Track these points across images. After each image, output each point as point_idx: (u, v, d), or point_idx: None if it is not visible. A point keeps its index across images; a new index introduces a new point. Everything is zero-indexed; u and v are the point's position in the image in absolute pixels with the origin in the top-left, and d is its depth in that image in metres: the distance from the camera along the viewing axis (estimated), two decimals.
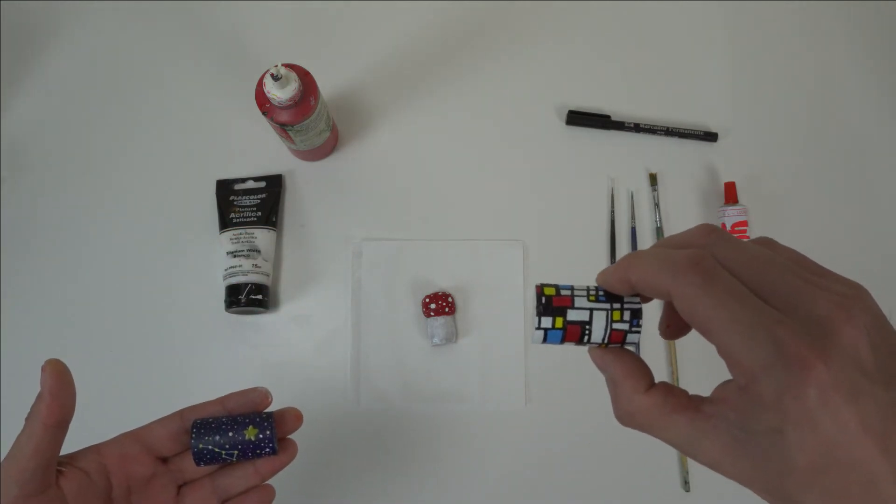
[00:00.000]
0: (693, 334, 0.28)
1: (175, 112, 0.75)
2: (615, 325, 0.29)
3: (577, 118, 0.73)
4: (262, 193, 0.70)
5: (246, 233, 0.68)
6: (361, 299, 0.70)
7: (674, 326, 0.31)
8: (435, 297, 0.68)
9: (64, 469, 0.38)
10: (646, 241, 0.72)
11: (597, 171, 0.73)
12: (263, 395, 0.43)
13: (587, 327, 0.29)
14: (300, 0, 0.77)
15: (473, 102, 0.75)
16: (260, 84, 0.61)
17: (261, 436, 0.41)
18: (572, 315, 0.29)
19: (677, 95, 0.75)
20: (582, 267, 0.71)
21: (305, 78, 0.62)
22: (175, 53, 0.76)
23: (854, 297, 0.25)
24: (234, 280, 0.67)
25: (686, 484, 0.66)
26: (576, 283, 0.30)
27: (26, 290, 0.70)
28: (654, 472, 0.67)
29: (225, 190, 0.71)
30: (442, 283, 0.70)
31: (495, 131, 0.74)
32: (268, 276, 0.68)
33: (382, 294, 0.70)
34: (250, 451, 0.42)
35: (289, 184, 0.73)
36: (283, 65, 0.59)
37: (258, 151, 0.73)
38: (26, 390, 0.71)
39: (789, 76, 0.76)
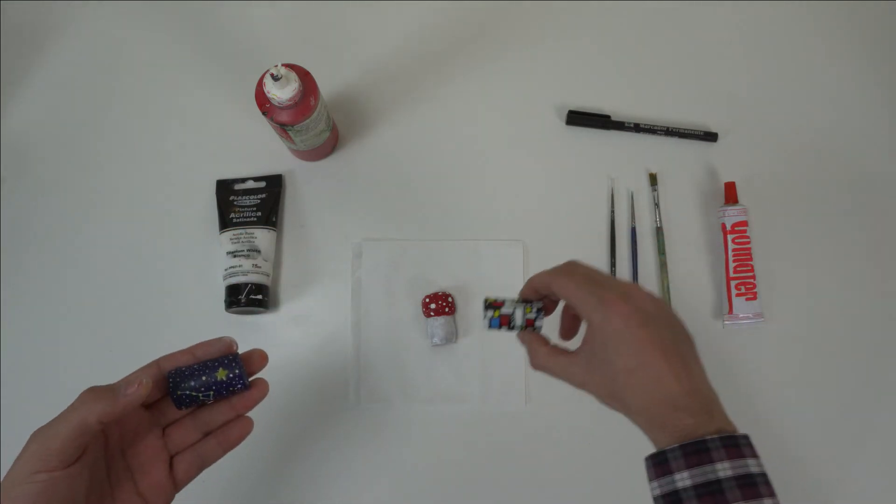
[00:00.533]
0: None
1: (175, 112, 0.75)
2: (527, 316, 0.50)
3: (577, 118, 0.73)
4: (262, 193, 0.70)
5: (246, 233, 0.68)
6: (361, 299, 0.70)
7: (565, 329, 0.52)
8: (435, 297, 0.68)
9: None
10: (646, 240, 0.72)
11: (597, 171, 0.73)
12: (228, 343, 0.47)
13: (512, 316, 0.50)
14: (300, 0, 0.77)
15: (473, 102, 0.75)
16: (260, 84, 0.61)
17: (230, 375, 0.46)
18: (504, 310, 0.50)
19: (677, 95, 0.75)
20: None
21: (305, 78, 0.62)
22: (175, 53, 0.76)
23: (634, 284, 0.46)
24: (234, 280, 0.67)
25: None
26: (507, 297, 0.51)
27: (26, 289, 0.70)
28: None
29: (225, 190, 0.71)
30: (442, 283, 0.70)
31: (495, 131, 0.74)
32: (268, 276, 0.68)
33: (382, 294, 0.70)
34: (224, 390, 0.46)
35: (289, 184, 0.73)
36: (283, 65, 0.59)
37: (258, 151, 0.73)
38: (26, 390, 0.72)
39: (789, 76, 0.76)
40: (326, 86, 0.68)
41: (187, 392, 0.45)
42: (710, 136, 0.73)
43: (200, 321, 0.69)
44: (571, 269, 0.47)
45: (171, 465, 0.47)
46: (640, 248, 0.71)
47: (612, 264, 0.71)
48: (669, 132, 0.73)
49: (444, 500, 0.66)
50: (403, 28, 0.77)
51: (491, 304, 0.50)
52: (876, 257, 0.72)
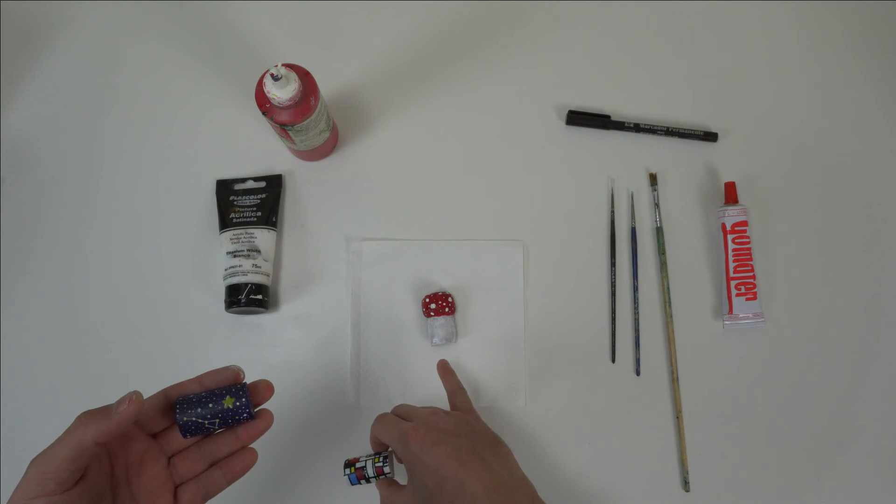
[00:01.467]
0: None
1: (175, 112, 0.75)
2: (376, 465, 0.55)
3: (577, 118, 0.73)
4: (262, 193, 0.70)
5: (246, 233, 0.68)
6: (361, 299, 0.70)
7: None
8: (435, 297, 0.68)
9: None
10: (646, 241, 0.72)
11: (597, 171, 0.73)
12: (236, 373, 0.48)
13: (365, 470, 0.55)
14: (300, 0, 0.77)
15: (473, 102, 0.75)
16: (260, 84, 0.61)
17: (237, 403, 0.46)
18: (357, 465, 0.55)
19: (677, 95, 0.75)
20: (582, 267, 0.71)
21: (305, 78, 0.62)
22: (175, 53, 0.76)
23: (439, 409, 0.54)
24: (234, 280, 0.67)
25: (686, 484, 0.66)
26: (365, 454, 0.57)
27: (26, 289, 0.70)
28: (654, 471, 0.67)
29: (225, 190, 0.71)
30: (442, 283, 0.70)
31: (495, 131, 0.74)
32: (268, 276, 0.68)
33: (382, 294, 0.70)
34: (230, 419, 0.47)
35: (289, 184, 0.73)
36: (283, 65, 0.59)
37: (258, 151, 0.73)
38: (26, 390, 0.72)
39: (789, 76, 0.76)
40: (326, 86, 0.68)
41: (193, 419, 0.46)
42: (710, 136, 0.73)
43: (200, 321, 0.69)
44: (382, 416, 0.54)
45: (175, 495, 0.47)
46: (640, 248, 0.71)
47: (613, 264, 0.71)
48: (669, 132, 0.73)
49: None
50: (403, 28, 0.77)
51: (348, 463, 0.55)
52: (876, 257, 0.72)
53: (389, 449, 0.55)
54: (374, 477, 0.54)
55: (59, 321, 0.70)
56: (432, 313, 0.68)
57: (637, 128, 0.73)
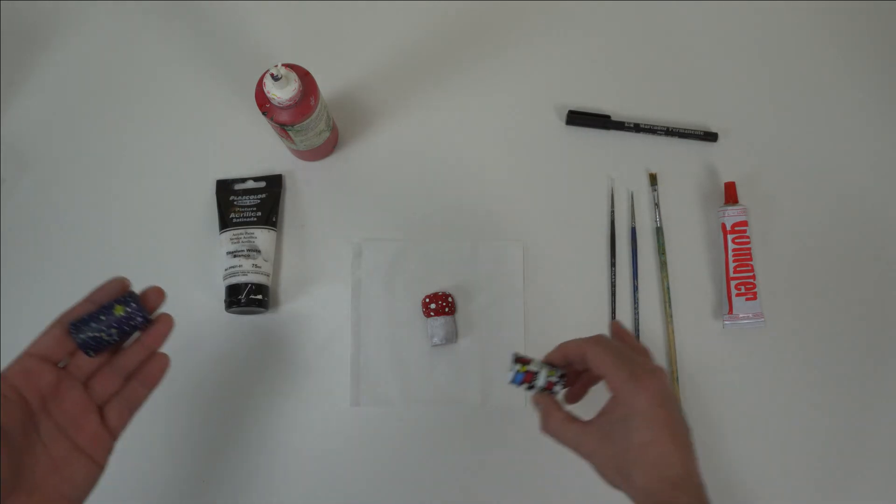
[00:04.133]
0: None
1: (175, 112, 0.75)
2: (549, 378, 0.51)
3: (577, 118, 0.73)
4: (262, 193, 0.70)
5: (246, 233, 0.68)
6: (361, 299, 0.70)
7: (573, 394, 0.56)
8: (435, 297, 0.68)
9: None
10: (646, 241, 0.72)
11: (597, 171, 0.73)
12: (121, 281, 0.49)
13: (536, 375, 0.51)
14: (300, 0, 0.77)
15: (473, 102, 0.75)
16: (260, 84, 0.61)
17: (128, 309, 0.47)
18: (530, 367, 0.52)
19: (677, 95, 0.75)
20: (582, 267, 0.71)
21: (305, 78, 0.62)
22: (175, 53, 0.76)
23: (660, 367, 0.49)
24: (234, 280, 0.67)
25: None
26: (535, 357, 0.53)
27: (26, 289, 0.70)
28: None
29: (225, 190, 0.71)
30: (442, 283, 0.70)
31: (495, 131, 0.74)
32: (268, 276, 0.68)
33: (382, 294, 0.70)
34: (125, 325, 0.47)
35: (289, 184, 0.73)
36: (283, 65, 0.59)
37: (258, 151, 0.73)
38: None
39: (789, 76, 0.76)
40: (326, 86, 0.68)
41: (91, 335, 0.46)
42: (710, 136, 0.73)
43: (200, 321, 0.69)
44: (606, 342, 0.51)
45: (102, 416, 0.48)
46: (640, 248, 0.71)
47: (612, 264, 0.71)
48: (669, 132, 0.73)
49: (443, 500, 0.66)
50: (403, 28, 0.77)
51: (518, 360, 0.51)
52: (875, 256, 0.72)
53: (565, 370, 0.52)
54: (542, 389, 0.51)
55: None
56: (432, 313, 0.68)
57: (637, 128, 0.73)
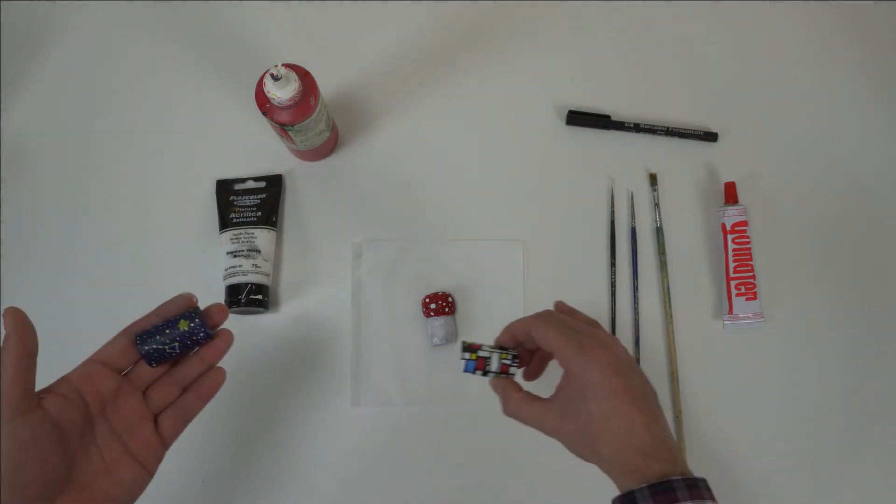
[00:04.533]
0: None
1: (175, 112, 0.75)
2: (503, 361, 0.51)
3: (577, 118, 0.73)
4: (262, 193, 0.70)
5: (246, 233, 0.68)
6: (361, 299, 0.70)
7: (530, 372, 0.54)
8: (435, 297, 0.68)
9: (43, 396, 0.44)
10: (646, 240, 0.72)
11: (597, 171, 0.73)
12: (188, 298, 0.50)
13: (488, 361, 0.50)
14: (300, 0, 0.77)
15: (473, 102, 0.75)
16: (260, 84, 0.61)
17: (192, 325, 0.49)
18: (481, 353, 0.51)
19: (677, 95, 0.75)
20: (582, 267, 0.71)
21: (305, 78, 0.62)
22: (175, 53, 0.76)
23: (611, 335, 0.49)
24: (234, 280, 0.67)
25: None
26: (485, 342, 0.52)
27: (26, 289, 0.70)
28: None
29: (225, 190, 0.71)
30: (442, 283, 0.70)
31: (495, 131, 0.74)
32: (268, 276, 0.68)
33: (382, 294, 0.70)
34: (188, 340, 0.49)
35: (289, 184, 0.73)
36: (283, 65, 0.59)
37: (258, 151, 0.73)
38: None
39: (789, 76, 0.76)
40: (326, 86, 0.68)
41: (154, 347, 0.48)
42: (710, 136, 0.73)
43: None
44: (549, 317, 0.50)
45: (156, 424, 0.49)
46: (640, 248, 0.71)
47: (612, 264, 0.71)
48: (669, 132, 0.73)
49: (444, 500, 0.66)
50: (403, 28, 0.77)
51: (468, 347, 0.51)
52: (876, 257, 0.72)
53: (516, 350, 0.51)
54: (496, 373, 0.50)
55: (58, 321, 0.69)
56: (432, 313, 0.68)
57: (637, 128, 0.73)
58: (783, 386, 0.69)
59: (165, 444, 0.49)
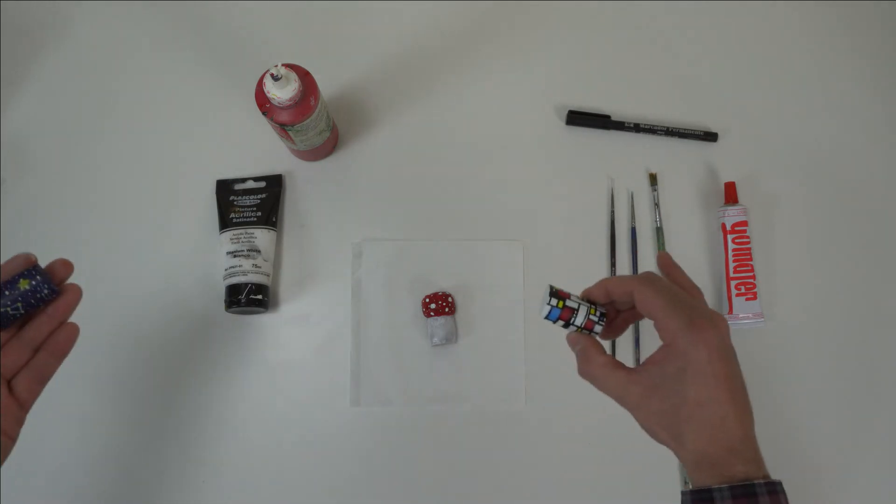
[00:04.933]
0: None
1: (175, 112, 0.75)
2: (590, 317, 0.46)
3: (577, 118, 0.73)
4: (262, 193, 0.70)
5: (246, 233, 0.68)
6: (361, 299, 0.70)
7: (614, 329, 0.49)
8: (435, 297, 0.68)
9: None
10: (646, 241, 0.72)
11: (597, 171, 0.73)
12: (26, 257, 0.48)
13: (575, 312, 0.46)
14: (300, 0, 0.77)
15: (473, 102, 0.75)
16: (260, 84, 0.61)
17: (33, 283, 0.47)
18: (569, 303, 0.46)
19: (677, 95, 0.75)
20: (582, 267, 0.71)
21: (305, 78, 0.62)
22: (175, 53, 0.76)
23: (719, 314, 0.44)
24: (234, 280, 0.67)
25: (686, 484, 0.66)
26: (573, 293, 0.47)
27: None
28: (653, 471, 0.67)
29: (225, 190, 0.71)
30: (442, 283, 0.70)
31: (495, 131, 0.74)
32: (268, 276, 0.68)
33: (382, 294, 0.70)
34: (32, 299, 0.47)
35: (289, 184, 0.73)
36: (283, 65, 0.59)
37: (258, 151, 0.73)
38: None
39: (789, 76, 0.76)
40: (326, 86, 0.68)
41: None
42: (710, 136, 0.73)
43: (200, 321, 0.69)
44: (657, 282, 0.45)
45: (11, 389, 0.48)
46: (640, 248, 0.71)
47: (612, 264, 0.71)
48: (669, 132, 0.73)
49: (443, 500, 0.66)
50: (403, 28, 0.77)
51: (556, 293, 0.46)
52: (875, 256, 0.72)
53: (605, 307, 0.47)
54: (579, 328, 0.46)
55: None
56: (432, 313, 0.68)
57: (637, 128, 0.73)
58: (783, 386, 0.69)
59: (24, 407, 0.48)
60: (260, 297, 0.67)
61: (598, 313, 0.46)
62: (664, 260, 0.50)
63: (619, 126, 0.73)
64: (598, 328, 0.46)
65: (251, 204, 0.70)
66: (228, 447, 0.67)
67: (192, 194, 0.72)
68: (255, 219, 0.69)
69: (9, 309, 0.46)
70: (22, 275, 0.47)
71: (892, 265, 0.71)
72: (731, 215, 0.69)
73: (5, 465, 0.66)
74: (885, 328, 0.70)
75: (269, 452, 0.67)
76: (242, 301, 0.66)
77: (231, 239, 0.68)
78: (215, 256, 0.70)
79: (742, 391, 0.42)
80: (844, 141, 0.74)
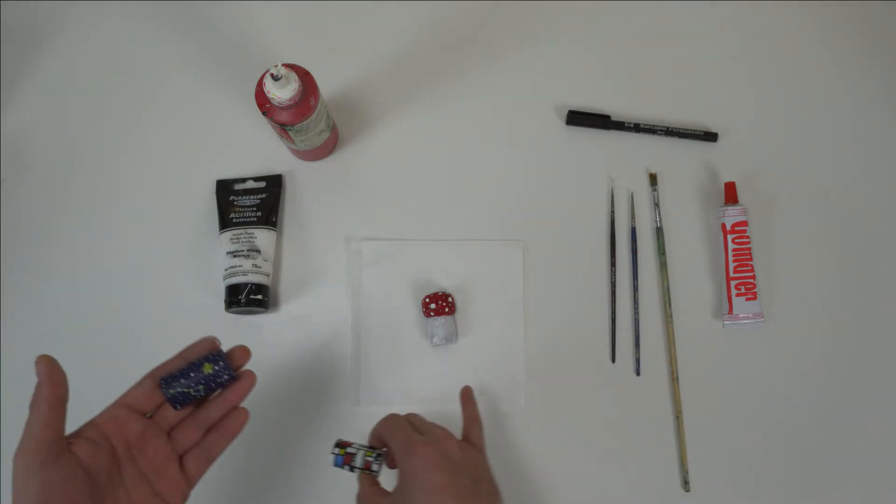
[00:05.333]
0: None
1: (175, 112, 0.75)
2: (367, 459, 0.53)
3: (577, 118, 0.73)
4: (262, 193, 0.70)
5: (246, 233, 0.68)
6: (361, 299, 0.70)
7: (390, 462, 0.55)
8: (435, 297, 0.68)
9: (72, 441, 0.45)
10: (646, 241, 0.72)
11: (597, 171, 0.73)
12: (211, 341, 0.52)
13: (354, 459, 0.54)
14: (300, 0, 0.77)
15: (473, 102, 0.75)
16: (260, 84, 0.61)
17: (216, 367, 0.50)
18: (349, 450, 0.54)
19: (677, 95, 0.75)
20: (582, 267, 0.71)
21: (305, 78, 0.62)
22: (175, 53, 0.76)
23: (446, 434, 0.52)
24: (234, 280, 0.67)
25: (686, 484, 0.66)
26: (357, 442, 0.55)
27: (26, 290, 0.70)
28: (654, 471, 0.67)
29: (225, 190, 0.71)
30: (442, 283, 0.70)
31: (495, 131, 0.74)
32: (268, 276, 0.68)
33: (382, 294, 0.70)
34: (213, 382, 0.50)
35: (289, 184, 0.73)
36: (283, 65, 0.59)
37: (258, 151, 0.73)
38: (27, 390, 0.71)
39: (789, 76, 0.76)
40: (326, 86, 0.68)
41: (179, 390, 0.49)
42: (710, 136, 0.73)
43: (200, 321, 0.69)
44: (393, 417, 0.54)
45: (181, 464, 0.50)
46: (640, 248, 0.71)
47: (613, 264, 0.71)
48: (669, 132, 0.73)
49: None
50: (403, 28, 0.77)
51: (340, 444, 0.55)
52: (875, 256, 0.72)
53: (384, 449, 0.55)
54: (360, 469, 0.54)
55: (59, 321, 0.70)
56: (432, 313, 0.68)
57: (637, 128, 0.73)
58: (783, 386, 0.69)
59: (191, 483, 0.50)
60: (260, 297, 0.67)
61: (374, 455, 0.54)
62: (463, 392, 0.61)
63: (619, 126, 0.73)
64: (375, 467, 0.54)
65: (251, 204, 0.70)
66: (228, 448, 0.67)
67: (192, 194, 0.72)
68: (255, 219, 0.69)
69: (191, 391, 0.50)
70: (207, 358, 0.50)
71: (892, 265, 0.71)
72: (731, 215, 0.69)
73: (5, 466, 0.67)
74: (884, 328, 0.70)
75: (269, 452, 0.67)
76: (242, 301, 0.66)
77: (231, 239, 0.68)
78: (215, 256, 0.70)
79: (471, 496, 0.48)
80: (844, 140, 0.75)
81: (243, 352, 0.53)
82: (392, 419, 0.54)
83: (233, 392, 0.52)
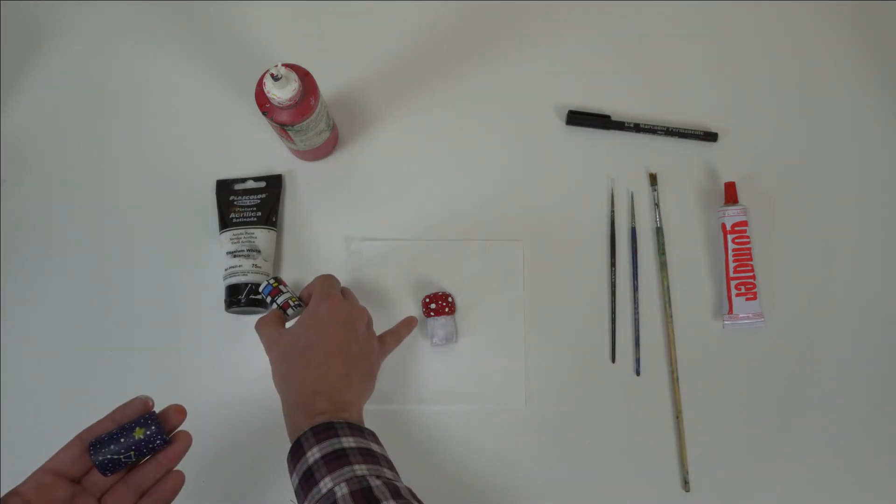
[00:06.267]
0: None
1: (175, 112, 0.75)
2: (289, 300, 0.61)
3: (577, 118, 0.73)
4: (262, 193, 0.70)
5: (246, 233, 0.68)
6: (361, 299, 0.70)
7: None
8: (435, 297, 0.68)
9: None
10: (646, 241, 0.72)
11: (597, 171, 0.73)
12: (144, 402, 0.49)
13: (279, 295, 0.62)
14: (300, 0, 0.77)
15: (473, 102, 0.75)
16: (260, 84, 0.61)
17: (147, 433, 0.48)
18: (281, 287, 0.62)
19: (677, 95, 0.75)
20: (582, 267, 0.71)
21: (305, 78, 0.62)
22: (175, 53, 0.76)
23: (367, 313, 0.62)
24: (234, 280, 0.67)
25: (686, 484, 0.66)
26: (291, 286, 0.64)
27: (26, 290, 0.70)
28: (654, 472, 0.67)
29: (225, 190, 0.71)
30: (442, 283, 0.70)
31: (495, 131, 0.74)
32: (268, 275, 0.68)
33: (382, 294, 0.70)
34: (144, 448, 0.48)
35: (289, 184, 0.73)
36: (283, 65, 0.59)
37: (258, 151, 0.73)
38: (26, 390, 0.72)
39: (789, 76, 0.76)
40: (326, 86, 0.68)
41: (109, 457, 0.47)
42: (710, 136, 0.73)
43: (200, 321, 0.69)
44: (330, 276, 0.62)
45: None
46: (640, 248, 0.71)
47: (613, 264, 0.71)
48: (669, 132, 0.73)
49: (443, 500, 0.66)
50: (403, 28, 0.77)
51: (277, 279, 0.62)
52: (875, 256, 0.72)
53: (300, 301, 0.62)
54: (279, 306, 0.61)
55: (58, 321, 0.70)
56: (432, 313, 0.68)
57: (637, 128, 0.73)
58: (783, 386, 0.69)
59: None
60: (260, 297, 0.67)
61: (297, 301, 0.61)
62: (408, 320, 0.66)
63: (619, 126, 0.73)
64: (290, 311, 0.61)
65: (251, 204, 0.70)
66: (226, 447, 0.67)
67: (192, 194, 0.72)
68: (255, 219, 0.69)
69: (121, 457, 0.47)
70: (138, 422, 0.48)
71: (892, 265, 0.71)
72: (731, 215, 0.69)
73: (4, 466, 0.66)
74: (884, 328, 0.70)
75: (269, 453, 0.67)
76: (242, 301, 0.66)
77: (231, 239, 0.68)
78: (215, 256, 0.70)
79: (350, 357, 0.54)
80: (844, 140, 0.74)
81: (178, 412, 0.50)
82: (330, 277, 0.61)
83: (166, 455, 0.49)
